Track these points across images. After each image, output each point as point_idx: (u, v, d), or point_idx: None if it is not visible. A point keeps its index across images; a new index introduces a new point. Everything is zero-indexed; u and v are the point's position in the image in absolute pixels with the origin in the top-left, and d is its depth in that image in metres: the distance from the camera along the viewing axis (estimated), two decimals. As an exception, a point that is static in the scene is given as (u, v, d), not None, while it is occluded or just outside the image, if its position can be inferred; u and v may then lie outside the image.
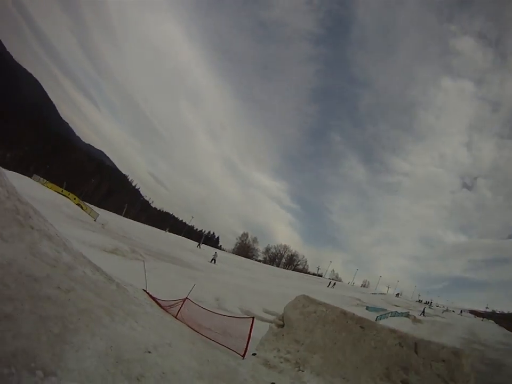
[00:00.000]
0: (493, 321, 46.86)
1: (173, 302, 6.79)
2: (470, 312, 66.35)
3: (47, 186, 24.67)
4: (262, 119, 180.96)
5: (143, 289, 6.84)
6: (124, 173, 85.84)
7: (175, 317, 6.17)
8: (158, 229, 42.97)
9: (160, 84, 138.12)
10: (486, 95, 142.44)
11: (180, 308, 6.51)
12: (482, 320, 47.48)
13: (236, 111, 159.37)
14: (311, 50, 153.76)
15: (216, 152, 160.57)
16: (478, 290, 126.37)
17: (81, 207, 23.32)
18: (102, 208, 35.57)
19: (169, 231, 43.79)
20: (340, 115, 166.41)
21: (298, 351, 5.51)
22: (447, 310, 54.80)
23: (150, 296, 6.58)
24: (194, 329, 5.77)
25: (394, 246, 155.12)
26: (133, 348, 3.48)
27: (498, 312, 70.64)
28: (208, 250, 35.90)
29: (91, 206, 26.29)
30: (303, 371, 5.00)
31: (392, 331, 5.18)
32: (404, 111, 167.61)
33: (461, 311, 59.93)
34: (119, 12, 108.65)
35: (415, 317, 26.72)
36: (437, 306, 63.94)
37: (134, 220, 45.98)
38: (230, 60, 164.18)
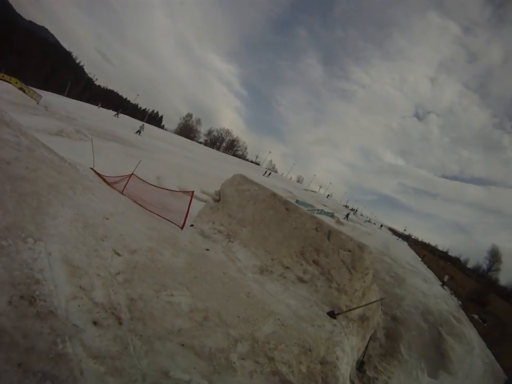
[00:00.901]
0: (406, 244, 48.99)
1: (118, 179, 7.35)
2: (389, 229, 68.74)
3: (-14, 74, 22.78)
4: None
5: (91, 168, 7.19)
6: (68, 50, 71.75)
7: (121, 193, 6.79)
8: (92, 105, 39.47)
9: None
10: (467, 44, 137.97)
11: (126, 183, 7.18)
12: (397, 239, 48.44)
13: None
14: None
15: (171, 29, 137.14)
16: (401, 212, 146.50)
17: (24, 91, 22.07)
18: (44, 90, 31.66)
19: (102, 107, 40.39)
20: (312, 11, 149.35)
21: (230, 224, 6.04)
22: (369, 221, 56.70)
23: (97, 173, 7.03)
24: (139, 204, 6.52)
25: (334, 149, 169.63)
26: (94, 215, 4.29)
27: (413, 237, 77.58)
28: (125, 118, 35.94)
29: (34, 89, 23.94)
30: (232, 242, 5.64)
31: (312, 217, 5.65)
32: (380, 26, 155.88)
33: (381, 226, 61.60)
34: None
35: (339, 219, 27.82)
36: (361, 215, 67.12)
37: (77, 99, 41.90)
38: None
